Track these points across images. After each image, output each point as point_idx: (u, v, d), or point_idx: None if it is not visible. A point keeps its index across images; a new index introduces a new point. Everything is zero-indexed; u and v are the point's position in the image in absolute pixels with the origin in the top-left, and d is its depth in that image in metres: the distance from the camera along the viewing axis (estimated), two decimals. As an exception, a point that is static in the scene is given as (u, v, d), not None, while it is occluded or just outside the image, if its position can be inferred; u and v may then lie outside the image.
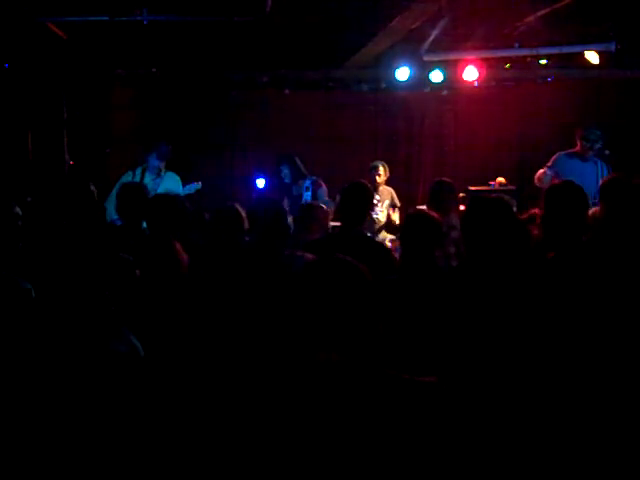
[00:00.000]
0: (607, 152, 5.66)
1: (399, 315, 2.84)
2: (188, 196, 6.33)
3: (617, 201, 3.53)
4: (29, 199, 5.55)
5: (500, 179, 8.03)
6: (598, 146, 5.75)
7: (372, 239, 4.33)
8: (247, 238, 3.78)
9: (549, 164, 5.95)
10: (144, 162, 6.19)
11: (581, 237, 3.11)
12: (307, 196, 6.56)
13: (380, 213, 7.30)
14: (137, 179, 5.88)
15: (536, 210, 4.16)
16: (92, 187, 3.96)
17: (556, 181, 5.83)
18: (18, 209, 3.39)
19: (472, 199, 3.29)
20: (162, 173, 6.23)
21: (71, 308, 2.49)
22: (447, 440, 1.61)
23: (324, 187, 6.75)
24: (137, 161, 6.19)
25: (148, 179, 6.05)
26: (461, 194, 6.45)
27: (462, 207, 6.35)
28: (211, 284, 3.20)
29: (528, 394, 2.44)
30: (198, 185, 6.57)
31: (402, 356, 2.40)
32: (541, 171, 5.95)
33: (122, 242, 3.66)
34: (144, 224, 4.18)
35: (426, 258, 3.29)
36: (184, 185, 6.42)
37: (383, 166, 7.38)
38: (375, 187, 7.27)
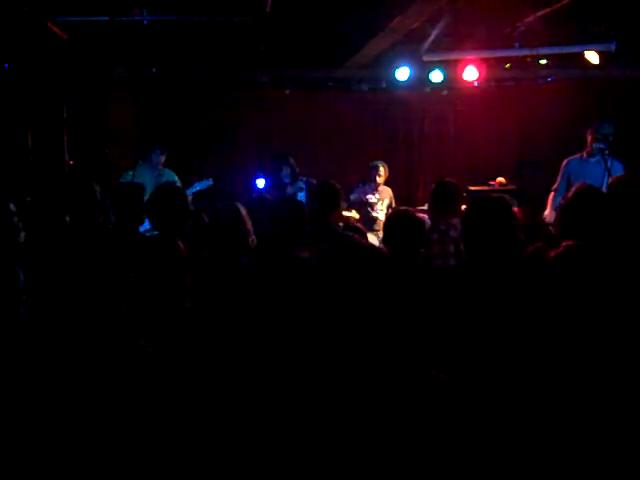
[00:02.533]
0: (607, 152, 5.65)
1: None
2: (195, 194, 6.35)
3: (623, 200, 3.54)
4: (29, 199, 5.55)
5: (500, 179, 8.04)
6: (610, 140, 5.71)
7: (341, 232, 4.39)
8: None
9: (558, 178, 5.90)
10: (145, 158, 6.22)
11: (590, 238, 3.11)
12: (301, 196, 6.58)
13: (380, 212, 7.32)
14: (139, 177, 5.90)
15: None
16: (96, 187, 3.94)
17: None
18: (12, 206, 3.36)
19: (475, 199, 3.30)
20: (160, 169, 6.28)
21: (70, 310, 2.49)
22: (451, 436, 1.61)
23: None
24: (137, 160, 6.23)
25: (150, 175, 6.07)
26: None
27: (462, 207, 6.36)
28: (222, 285, 3.20)
29: (528, 392, 2.44)
30: (209, 181, 6.56)
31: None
32: (549, 201, 5.91)
33: (117, 244, 3.64)
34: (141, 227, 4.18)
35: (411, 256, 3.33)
36: (196, 182, 6.43)
37: (383, 166, 7.41)
38: (375, 186, 7.32)
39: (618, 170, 5.55)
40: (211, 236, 3.71)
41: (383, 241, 3.81)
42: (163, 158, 6.34)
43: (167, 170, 6.37)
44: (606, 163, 5.54)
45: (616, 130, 5.78)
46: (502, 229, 2.86)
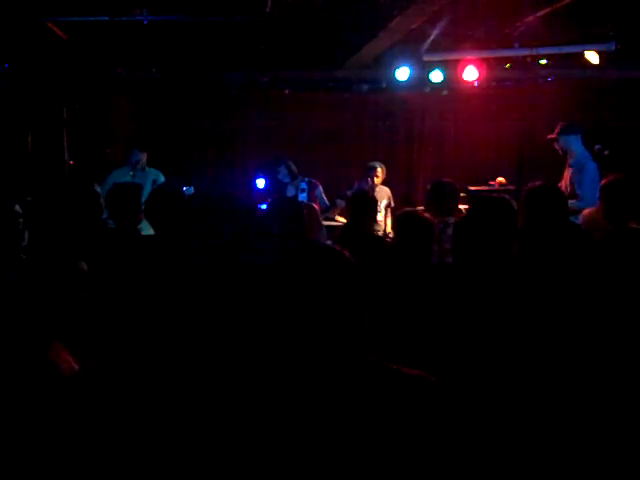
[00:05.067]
0: (606, 152, 5.66)
1: (395, 309, 2.85)
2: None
3: (617, 201, 3.55)
4: (29, 199, 5.56)
5: (500, 179, 8.02)
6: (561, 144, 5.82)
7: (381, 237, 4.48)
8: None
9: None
10: (130, 161, 6.26)
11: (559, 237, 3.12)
12: (303, 197, 6.60)
13: (378, 214, 7.29)
14: (127, 177, 5.93)
15: None
16: (97, 188, 3.94)
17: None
18: (18, 207, 3.37)
19: (478, 198, 3.31)
20: (146, 168, 6.30)
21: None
22: (435, 433, 1.61)
23: (320, 187, 6.83)
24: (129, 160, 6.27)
25: (138, 176, 6.09)
26: (461, 194, 6.46)
27: (462, 207, 6.36)
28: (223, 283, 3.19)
29: (524, 392, 2.45)
30: (190, 189, 6.54)
31: (396, 350, 2.39)
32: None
33: (116, 245, 3.64)
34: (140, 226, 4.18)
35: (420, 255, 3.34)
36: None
37: (381, 167, 7.38)
38: (372, 188, 7.27)
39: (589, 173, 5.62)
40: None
41: (393, 242, 3.79)
42: (143, 157, 6.33)
43: (152, 169, 6.35)
44: (585, 169, 5.62)
45: (564, 127, 5.91)
46: (505, 228, 2.87)
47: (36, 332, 2.34)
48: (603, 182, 3.86)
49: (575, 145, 5.88)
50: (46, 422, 2.10)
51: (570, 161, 5.86)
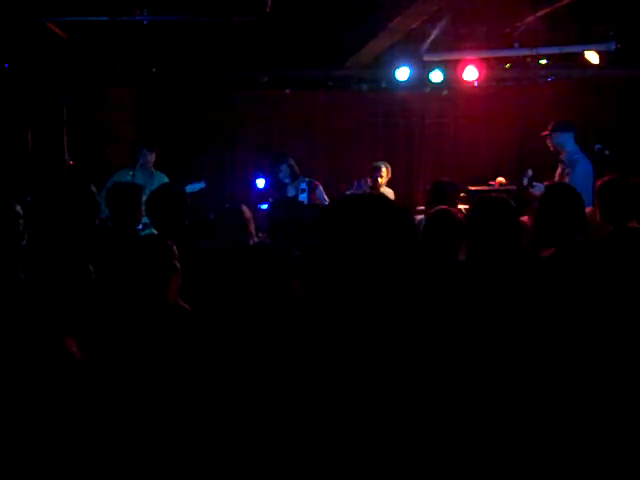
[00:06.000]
0: (607, 152, 5.67)
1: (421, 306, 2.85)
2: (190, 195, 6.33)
3: (613, 201, 3.56)
4: (29, 199, 5.54)
5: (500, 179, 8.01)
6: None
7: None
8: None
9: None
10: (136, 161, 6.26)
11: (574, 236, 3.13)
12: (303, 197, 6.57)
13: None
14: (130, 177, 5.94)
15: (525, 218, 4.15)
16: (93, 187, 3.94)
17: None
18: (19, 208, 3.37)
19: (480, 199, 3.31)
20: (153, 171, 6.31)
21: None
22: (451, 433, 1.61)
23: (321, 187, 6.81)
24: (135, 160, 6.27)
25: (141, 176, 6.10)
26: (461, 194, 6.45)
27: (462, 207, 6.35)
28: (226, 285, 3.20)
29: (526, 391, 2.45)
30: (201, 184, 6.56)
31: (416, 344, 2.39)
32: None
33: (114, 245, 3.64)
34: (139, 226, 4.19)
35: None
36: (186, 184, 6.42)
37: (386, 167, 7.34)
38: (377, 188, 7.25)
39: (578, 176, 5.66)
40: (211, 236, 3.72)
41: (422, 240, 3.75)
42: (153, 157, 6.35)
43: (158, 173, 6.38)
44: (574, 169, 5.67)
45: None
46: (506, 228, 2.88)
47: (51, 326, 2.37)
48: (599, 183, 3.87)
49: (567, 143, 5.91)
50: (59, 403, 2.13)
51: (562, 158, 5.91)
